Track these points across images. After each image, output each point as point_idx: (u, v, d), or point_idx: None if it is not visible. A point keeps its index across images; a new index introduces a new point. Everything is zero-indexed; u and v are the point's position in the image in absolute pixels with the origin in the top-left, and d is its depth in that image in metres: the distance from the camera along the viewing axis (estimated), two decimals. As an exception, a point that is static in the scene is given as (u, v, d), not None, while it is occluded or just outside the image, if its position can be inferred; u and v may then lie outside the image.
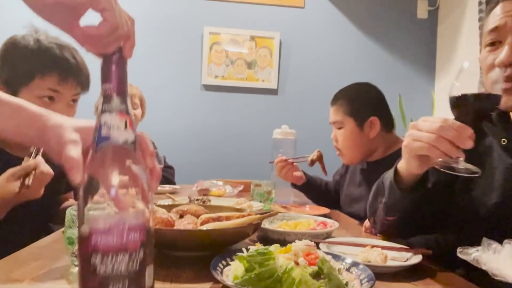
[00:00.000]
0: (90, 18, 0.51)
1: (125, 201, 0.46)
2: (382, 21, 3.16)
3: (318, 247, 0.69)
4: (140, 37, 0.54)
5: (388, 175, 0.92)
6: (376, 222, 1.03)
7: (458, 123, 0.71)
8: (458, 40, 2.93)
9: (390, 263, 0.78)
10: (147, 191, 0.48)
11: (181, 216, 0.92)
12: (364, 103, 1.51)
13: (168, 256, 0.78)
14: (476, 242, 0.65)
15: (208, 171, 2.69)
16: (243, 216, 0.85)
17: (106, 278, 0.44)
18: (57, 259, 0.78)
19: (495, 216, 0.84)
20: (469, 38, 2.77)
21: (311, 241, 0.66)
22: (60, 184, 1.07)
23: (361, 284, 0.62)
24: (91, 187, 0.46)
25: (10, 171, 0.97)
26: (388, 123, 1.53)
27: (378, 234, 1.13)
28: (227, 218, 0.86)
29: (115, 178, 0.46)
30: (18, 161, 1.16)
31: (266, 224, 1.04)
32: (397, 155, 1.42)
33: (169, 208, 0.97)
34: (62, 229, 0.76)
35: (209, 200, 1.38)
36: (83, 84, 1.20)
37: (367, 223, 1.19)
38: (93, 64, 1.23)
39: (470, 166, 0.72)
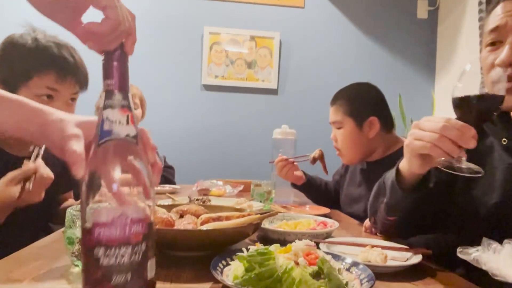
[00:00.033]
0: (92, 15, 0.51)
1: (128, 194, 0.47)
2: (382, 21, 3.16)
3: (318, 247, 0.69)
4: (140, 37, 0.55)
5: (390, 174, 0.92)
6: (377, 222, 1.03)
7: (461, 123, 0.71)
8: (458, 40, 2.93)
9: (390, 263, 0.78)
10: (149, 185, 0.49)
11: (181, 216, 0.92)
12: (363, 103, 1.51)
13: (168, 256, 0.78)
14: (476, 242, 0.65)
15: (208, 171, 2.69)
16: (243, 216, 0.85)
17: (109, 270, 0.44)
18: (57, 259, 0.78)
19: (495, 216, 0.84)
20: (469, 38, 2.77)
21: (311, 241, 0.66)
22: (59, 183, 1.07)
23: (361, 284, 0.62)
24: (94, 181, 0.47)
25: (10, 175, 0.96)
26: (387, 123, 1.52)
27: (378, 234, 1.14)
28: (227, 218, 0.86)
29: (118, 172, 0.47)
30: (17, 160, 1.16)
31: (266, 224, 1.04)
32: (397, 155, 1.42)
33: (169, 208, 0.97)
34: (62, 229, 0.76)
35: (209, 200, 1.38)
36: (82, 82, 1.20)
37: (367, 223, 1.19)
38: (91, 63, 1.24)
39: (472, 166, 0.72)
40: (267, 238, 0.98)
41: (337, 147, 1.56)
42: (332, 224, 1.08)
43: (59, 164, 1.20)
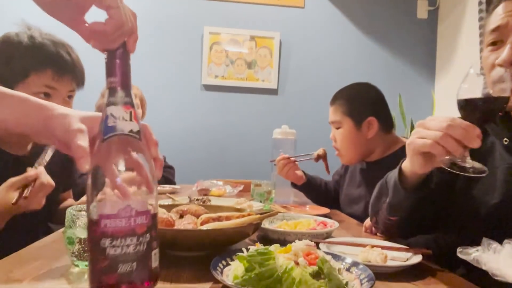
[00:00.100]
0: (94, 13, 0.52)
1: (133, 188, 0.50)
2: (382, 21, 3.16)
3: (318, 247, 0.69)
4: (140, 37, 0.55)
5: (392, 174, 0.92)
6: (378, 222, 1.02)
7: (466, 122, 0.71)
8: (458, 40, 2.93)
9: (390, 263, 0.78)
10: (152, 178, 0.51)
11: (181, 216, 0.92)
12: (362, 103, 1.51)
13: (168, 256, 0.78)
14: (476, 242, 0.65)
15: (208, 171, 2.70)
16: (243, 216, 0.85)
17: (116, 259, 0.47)
18: (57, 259, 0.78)
19: (496, 216, 0.84)
20: (469, 38, 2.77)
21: (311, 241, 0.66)
22: (58, 183, 1.07)
23: (361, 284, 0.62)
24: (100, 175, 0.50)
25: (11, 180, 0.96)
26: (386, 123, 1.52)
27: (378, 234, 1.13)
28: (227, 218, 0.86)
29: (123, 166, 0.49)
30: (16, 160, 1.16)
31: (266, 224, 1.03)
32: (397, 155, 1.43)
33: (169, 208, 0.97)
34: (62, 229, 0.76)
35: (209, 200, 1.38)
36: (78, 80, 1.20)
37: (367, 223, 1.19)
38: (88, 62, 1.24)
39: (477, 164, 0.72)
40: (267, 238, 0.98)
41: (336, 147, 1.57)
42: (332, 224, 1.08)
43: (58, 163, 1.20)
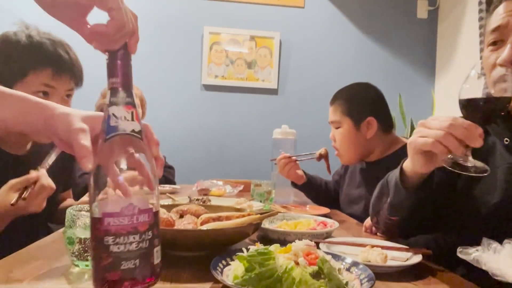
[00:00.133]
0: (95, 14, 0.52)
1: (135, 186, 0.51)
2: (382, 21, 3.16)
3: (318, 247, 0.69)
4: (140, 37, 0.56)
5: (393, 174, 0.92)
6: (379, 222, 1.02)
7: (468, 122, 0.71)
8: (458, 40, 2.93)
9: (390, 263, 0.78)
10: (153, 177, 0.53)
11: (181, 216, 0.92)
12: (361, 103, 1.50)
13: (168, 256, 0.78)
14: (476, 242, 0.65)
15: (208, 171, 2.70)
16: (243, 216, 0.85)
17: (119, 256, 0.48)
18: (57, 259, 0.78)
19: (496, 215, 0.84)
20: (469, 38, 2.77)
21: (311, 241, 0.66)
22: (58, 182, 1.07)
23: (361, 284, 0.62)
24: (102, 174, 0.51)
25: (11, 182, 0.97)
26: (386, 123, 1.52)
27: (378, 234, 1.13)
28: (227, 218, 0.86)
29: (126, 166, 0.51)
30: (16, 160, 1.16)
31: (266, 224, 1.04)
32: (397, 155, 1.43)
33: (169, 208, 0.97)
34: (62, 229, 0.76)
35: (209, 200, 1.38)
36: (77, 79, 1.20)
37: (367, 222, 1.19)
38: (86, 61, 1.24)
39: (479, 163, 0.72)
40: (267, 238, 0.98)
41: (336, 147, 1.57)
42: (332, 224, 1.08)
43: (57, 163, 1.20)
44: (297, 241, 0.66)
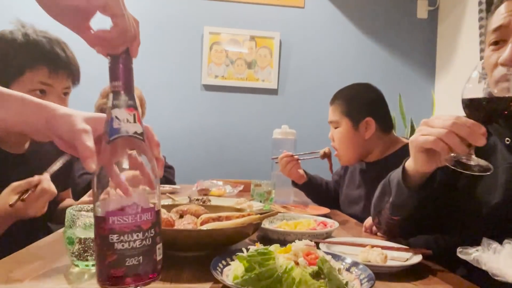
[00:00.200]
0: (98, 19, 0.53)
1: (138, 186, 0.53)
2: (382, 21, 3.16)
3: (318, 247, 0.69)
4: (141, 37, 0.56)
5: (395, 173, 0.92)
6: (381, 222, 1.02)
7: (471, 120, 0.71)
8: (458, 40, 2.93)
9: (390, 263, 0.78)
10: (155, 177, 0.55)
11: (181, 216, 0.92)
12: (360, 103, 1.50)
13: (168, 256, 0.78)
14: (477, 242, 0.65)
15: (208, 171, 2.70)
16: (243, 216, 0.85)
17: (123, 253, 0.50)
18: (57, 259, 0.78)
19: (497, 215, 0.84)
20: (469, 38, 2.77)
21: (311, 241, 0.66)
22: (57, 182, 1.07)
23: (361, 284, 0.62)
24: (107, 175, 0.53)
25: (13, 185, 0.97)
26: (385, 124, 1.52)
27: (378, 234, 1.13)
28: (227, 218, 0.86)
29: (128, 166, 0.53)
30: (14, 159, 1.16)
31: (266, 224, 1.04)
32: (397, 155, 1.43)
33: (169, 208, 0.97)
34: (62, 229, 0.76)
35: (209, 200, 1.38)
36: (74, 77, 1.21)
37: (367, 222, 1.19)
38: (84, 60, 1.24)
39: (482, 162, 0.72)
40: (267, 238, 0.98)
41: (335, 147, 1.57)
42: (332, 224, 1.08)
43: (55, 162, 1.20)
44: (297, 241, 0.66)
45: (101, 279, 0.52)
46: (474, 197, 0.89)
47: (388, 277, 0.73)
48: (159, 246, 0.55)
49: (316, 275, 0.59)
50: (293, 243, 0.65)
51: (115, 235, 0.50)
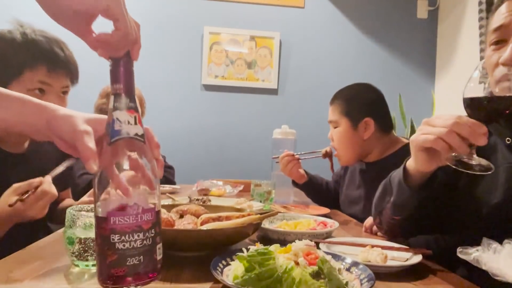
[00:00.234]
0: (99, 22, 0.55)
1: (139, 187, 0.54)
2: (382, 21, 3.16)
3: (318, 247, 0.69)
4: (141, 37, 0.56)
5: (397, 173, 0.92)
6: (382, 223, 1.02)
7: (472, 120, 0.71)
8: (458, 40, 2.93)
9: (390, 263, 0.78)
10: (155, 178, 0.56)
11: (181, 216, 0.92)
12: (360, 103, 1.50)
13: (168, 256, 0.78)
14: (477, 242, 0.65)
15: (208, 171, 2.70)
16: (243, 216, 0.85)
17: (125, 253, 0.51)
18: (57, 259, 0.78)
19: (497, 215, 0.84)
20: (469, 38, 2.77)
21: (311, 241, 0.66)
22: (55, 181, 1.07)
23: (361, 284, 0.62)
24: (108, 176, 0.53)
25: (15, 186, 0.97)
26: (384, 124, 1.52)
27: (378, 234, 1.13)
28: (227, 218, 0.86)
29: (129, 167, 0.54)
30: (13, 158, 1.16)
31: (266, 224, 1.04)
32: (397, 155, 1.43)
33: (169, 208, 0.97)
34: (62, 229, 0.76)
35: (209, 200, 1.37)
36: (73, 76, 1.21)
37: (367, 222, 1.19)
38: (82, 59, 1.24)
39: (483, 161, 0.72)
40: (267, 238, 0.98)
41: (334, 147, 1.57)
42: (332, 224, 1.08)
43: (54, 161, 1.20)
44: (297, 241, 0.66)
45: (101, 278, 0.53)
46: (474, 197, 0.89)
47: (388, 277, 0.73)
48: (159, 246, 0.55)
49: (316, 275, 0.59)
50: (293, 243, 0.65)
51: (117, 235, 0.51)
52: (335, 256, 0.70)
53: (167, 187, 1.93)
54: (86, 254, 0.71)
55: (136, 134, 0.53)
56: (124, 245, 0.51)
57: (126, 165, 0.53)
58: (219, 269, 0.66)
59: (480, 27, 2.51)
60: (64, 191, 1.43)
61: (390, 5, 3.16)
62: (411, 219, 0.93)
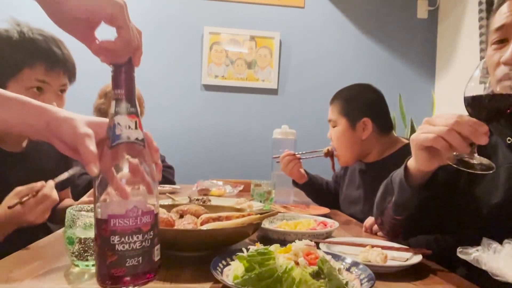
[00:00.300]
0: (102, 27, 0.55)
1: (139, 190, 0.55)
2: (382, 21, 3.16)
3: (318, 247, 0.69)
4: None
5: (398, 173, 0.92)
6: (383, 223, 1.02)
7: (473, 119, 0.71)
8: (458, 40, 2.93)
9: (390, 263, 0.78)
10: (154, 182, 0.58)
11: (181, 216, 0.92)
12: (358, 104, 1.51)
13: (168, 256, 0.78)
14: (477, 242, 0.65)
15: (208, 171, 2.70)
16: (243, 216, 0.85)
17: (124, 254, 0.53)
18: (57, 259, 0.78)
19: (498, 215, 0.84)
20: (469, 38, 2.77)
21: (311, 241, 0.66)
22: (57, 184, 1.07)
23: (361, 284, 0.62)
24: (108, 179, 0.55)
25: (17, 189, 0.96)
26: (383, 125, 1.52)
27: (378, 234, 1.13)
28: (227, 218, 0.86)
29: (130, 170, 0.55)
30: (12, 157, 1.16)
31: (266, 224, 1.04)
32: (397, 155, 1.43)
33: (169, 208, 0.97)
34: (62, 229, 0.76)
35: (209, 200, 1.38)
36: (70, 74, 1.21)
37: (367, 222, 1.19)
38: (80, 58, 1.24)
39: (485, 161, 0.71)
40: (267, 238, 0.98)
41: (334, 146, 1.57)
42: (332, 224, 1.08)
43: (53, 161, 1.20)
44: (297, 241, 0.66)
45: (101, 278, 0.54)
46: (474, 197, 0.89)
47: (388, 277, 0.73)
48: (157, 247, 0.57)
49: (316, 275, 0.58)
50: (293, 243, 0.65)
51: (116, 237, 0.52)
52: (335, 256, 0.70)
53: (167, 187, 1.93)
54: (86, 254, 0.71)
55: (137, 139, 0.55)
56: (123, 247, 0.53)
57: (126, 168, 0.55)
58: (219, 269, 0.66)
59: (480, 27, 2.51)
60: (64, 191, 1.43)
61: (390, 5, 3.16)
62: (413, 219, 0.93)
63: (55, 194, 1.00)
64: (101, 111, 1.90)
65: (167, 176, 2.16)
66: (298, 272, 0.57)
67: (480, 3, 2.51)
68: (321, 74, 3.11)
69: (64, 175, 1.08)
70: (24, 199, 0.94)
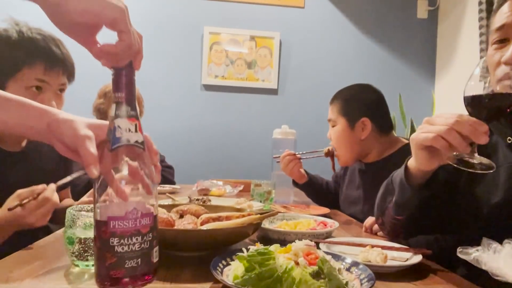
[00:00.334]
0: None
1: (138, 192, 0.56)
2: (382, 21, 3.16)
3: (318, 247, 0.69)
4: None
5: (398, 173, 0.92)
6: (384, 223, 1.02)
7: (473, 118, 0.71)
8: (458, 40, 2.93)
9: (390, 263, 0.78)
10: (153, 184, 0.58)
11: (181, 216, 0.92)
12: (358, 103, 1.51)
13: (168, 256, 0.78)
14: (477, 242, 0.65)
15: (208, 171, 2.70)
16: (243, 216, 0.85)
17: (123, 256, 0.53)
18: (57, 259, 0.78)
19: (498, 214, 0.84)
20: (469, 38, 2.77)
21: (311, 241, 0.66)
22: (54, 180, 1.07)
23: (361, 284, 0.62)
24: (108, 181, 0.55)
25: (18, 192, 0.96)
26: (383, 125, 1.51)
27: (378, 234, 1.13)
28: (227, 218, 0.86)
29: (130, 173, 0.55)
30: (11, 157, 1.16)
31: (266, 224, 1.04)
32: (396, 155, 1.43)
33: (169, 208, 0.97)
34: (62, 229, 0.76)
35: (209, 200, 1.38)
36: (69, 73, 1.21)
37: (367, 222, 1.19)
38: (81, 58, 1.24)
39: (485, 160, 0.71)
40: (267, 238, 0.98)
41: (333, 146, 1.57)
42: (332, 224, 1.08)
43: (53, 161, 1.20)
44: (297, 241, 0.66)
45: (100, 279, 0.54)
46: (474, 197, 0.89)
47: (388, 277, 0.73)
48: (156, 249, 0.58)
49: (316, 275, 0.58)
50: (293, 243, 0.65)
51: (116, 239, 0.53)
52: (335, 256, 0.70)
53: (167, 187, 1.93)
54: (86, 254, 0.71)
55: (136, 142, 0.55)
56: (123, 248, 0.53)
57: (126, 170, 0.55)
58: (219, 269, 0.66)
59: (480, 27, 2.51)
60: (63, 191, 1.43)
61: (390, 5, 3.16)
62: (413, 219, 0.93)
63: (56, 197, 0.99)
64: (100, 111, 1.90)
65: (167, 176, 2.16)
66: (298, 272, 0.57)
67: (480, 3, 2.51)
68: (321, 74, 3.11)
69: (67, 179, 1.07)
70: (25, 201, 0.93)
